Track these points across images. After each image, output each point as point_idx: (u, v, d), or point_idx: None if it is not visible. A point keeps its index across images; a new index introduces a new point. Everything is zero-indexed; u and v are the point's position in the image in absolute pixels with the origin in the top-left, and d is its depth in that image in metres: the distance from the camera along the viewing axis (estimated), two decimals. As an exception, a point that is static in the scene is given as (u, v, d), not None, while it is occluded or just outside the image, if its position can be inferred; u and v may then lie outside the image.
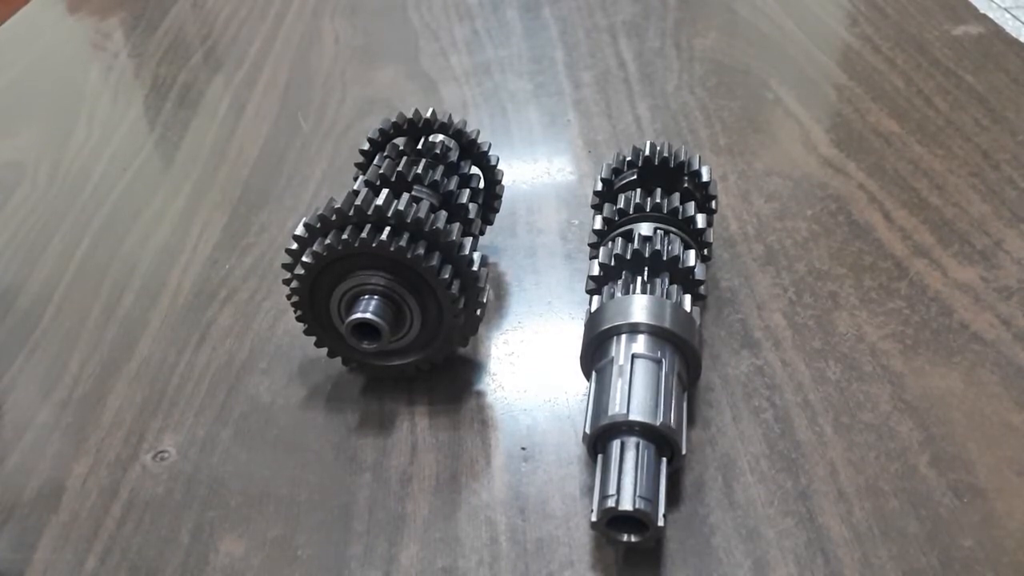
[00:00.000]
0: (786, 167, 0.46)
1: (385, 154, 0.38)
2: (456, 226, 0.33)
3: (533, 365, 0.36)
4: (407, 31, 0.69)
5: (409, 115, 0.39)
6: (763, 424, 0.32)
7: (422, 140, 0.39)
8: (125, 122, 0.59)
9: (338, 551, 0.29)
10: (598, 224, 0.36)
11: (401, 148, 0.38)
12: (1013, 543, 0.27)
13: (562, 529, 0.29)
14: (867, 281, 0.38)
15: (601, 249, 0.35)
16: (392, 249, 0.31)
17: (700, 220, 0.35)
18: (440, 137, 0.39)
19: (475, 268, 0.33)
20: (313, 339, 0.35)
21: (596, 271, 0.34)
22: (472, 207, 0.37)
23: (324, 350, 0.35)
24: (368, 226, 0.32)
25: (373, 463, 0.32)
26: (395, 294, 0.32)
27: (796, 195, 0.44)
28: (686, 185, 0.37)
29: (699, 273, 0.33)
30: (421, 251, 0.31)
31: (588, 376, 0.31)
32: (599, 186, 0.38)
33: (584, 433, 0.29)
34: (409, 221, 0.31)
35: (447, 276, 0.32)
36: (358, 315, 0.31)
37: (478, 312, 0.34)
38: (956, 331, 0.35)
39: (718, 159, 0.48)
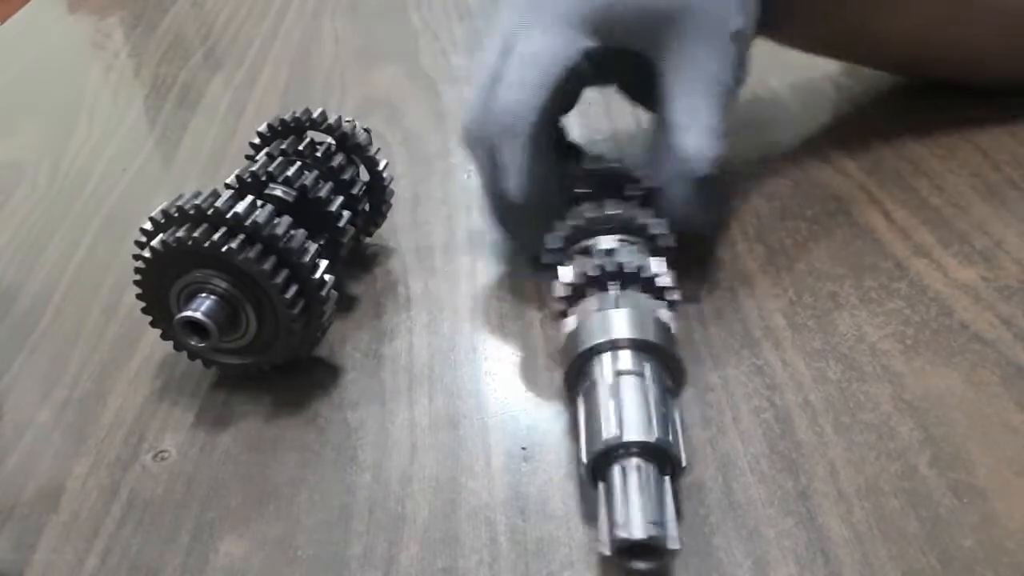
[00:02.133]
0: (786, 166, 0.46)
1: (266, 152, 0.38)
2: (300, 232, 0.33)
3: (533, 364, 0.36)
4: (407, 31, 0.69)
5: (298, 114, 0.39)
6: (763, 424, 0.32)
7: (306, 141, 0.39)
8: (125, 122, 0.59)
9: (338, 551, 0.29)
10: (557, 243, 0.35)
11: (283, 147, 0.38)
12: (1013, 543, 0.27)
13: (562, 529, 0.29)
14: (867, 281, 0.38)
15: (560, 269, 0.34)
16: (223, 250, 0.31)
17: (657, 226, 0.35)
18: (328, 139, 0.39)
19: (317, 276, 0.33)
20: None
21: (561, 292, 0.33)
22: (345, 214, 0.37)
23: (321, 348, 0.35)
24: (204, 225, 0.32)
25: (373, 463, 0.32)
26: (232, 296, 0.32)
27: (796, 195, 0.44)
28: (637, 192, 0.37)
29: (667, 280, 0.33)
30: (252, 254, 0.31)
31: (573, 400, 0.31)
32: None
33: (580, 462, 0.28)
34: (247, 224, 0.31)
35: (280, 280, 0.32)
36: (189, 312, 0.32)
37: (323, 319, 0.34)
38: (956, 331, 0.35)
39: (718, 159, 0.48)
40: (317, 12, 0.74)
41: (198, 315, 0.31)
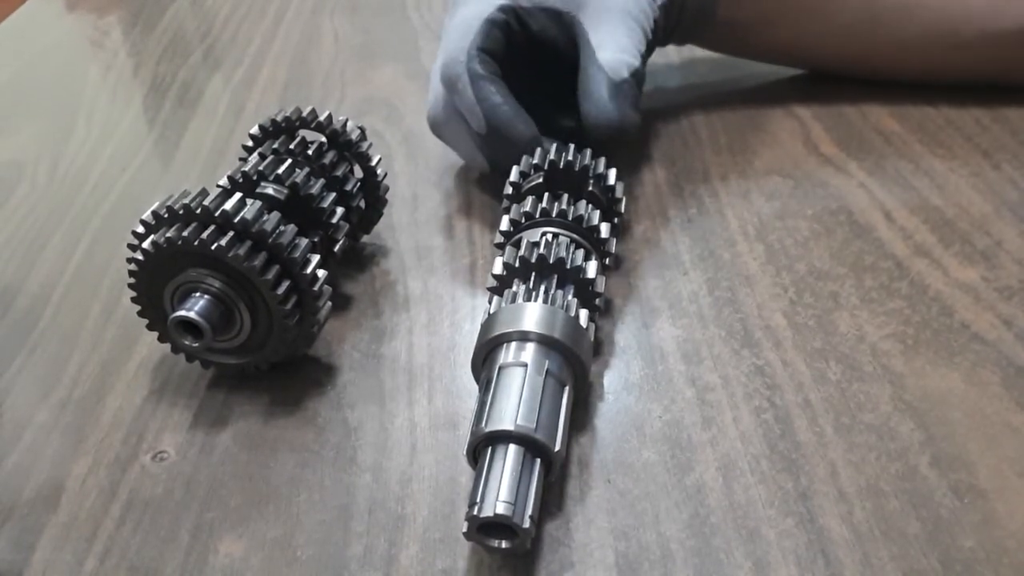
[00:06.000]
0: (787, 166, 0.46)
1: (258, 152, 0.38)
2: (290, 227, 0.33)
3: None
4: (407, 30, 0.69)
5: (289, 113, 0.39)
6: (763, 424, 0.32)
7: (297, 139, 0.38)
8: (124, 121, 0.59)
9: (337, 552, 0.29)
10: (504, 225, 0.37)
11: (274, 147, 0.38)
12: (1014, 543, 0.27)
13: (562, 530, 0.29)
14: (868, 281, 0.38)
15: (496, 259, 0.35)
16: (213, 248, 0.31)
17: (604, 228, 0.36)
18: (320, 137, 0.39)
19: (309, 271, 0.32)
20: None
21: (491, 282, 0.34)
22: (339, 210, 0.37)
23: (320, 348, 0.35)
24: (194, 224, 0.32)
25: (373, 464, 0.32)
26: (225, 295, 0.32)
27: (796, 194, 0.44)
28: (591, 190, 0.38)
29: (590, 272, 0.34)
30: (242, 251, 0.31)
31: (480, 387, 0.31)
32: (508, 189, 0.39)
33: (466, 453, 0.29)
34: (236, 221, 0.31)
35: (271, 276, 0.32)
36: (182, 312, 0.31)
37: (317, 315, 0.33)
38: (957, 331, 0.35)
39: (718, 158, 0.48)
40: (316, 10, 0.74)
41: (191, 315, 0.31)
